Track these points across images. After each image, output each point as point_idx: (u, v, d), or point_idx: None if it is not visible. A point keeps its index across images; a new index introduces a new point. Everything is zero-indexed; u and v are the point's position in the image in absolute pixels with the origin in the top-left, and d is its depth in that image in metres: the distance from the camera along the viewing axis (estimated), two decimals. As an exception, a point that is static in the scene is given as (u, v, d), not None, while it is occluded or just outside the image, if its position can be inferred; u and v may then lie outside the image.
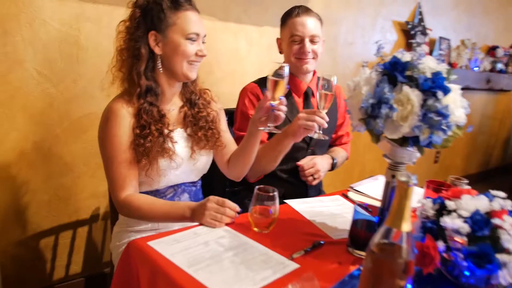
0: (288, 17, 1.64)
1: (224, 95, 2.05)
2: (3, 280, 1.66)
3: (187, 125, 1.39)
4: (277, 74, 1.25)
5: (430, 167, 4.13)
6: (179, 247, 1.02)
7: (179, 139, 1.35)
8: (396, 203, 0.76)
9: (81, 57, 1.73)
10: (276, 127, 1.32)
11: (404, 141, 1.03)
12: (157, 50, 1.26)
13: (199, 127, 1.39)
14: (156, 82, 1.29)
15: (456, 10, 3.78)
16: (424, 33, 3.25)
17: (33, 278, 1.81)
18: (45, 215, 1.78)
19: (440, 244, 0.91)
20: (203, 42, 1.32)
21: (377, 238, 0.79)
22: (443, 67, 1.01)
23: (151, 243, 1.02)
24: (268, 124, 1.30)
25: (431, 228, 0.98)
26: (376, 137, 1.04)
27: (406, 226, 0.77)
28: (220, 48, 2.16)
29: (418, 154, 1.07)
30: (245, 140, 1.40)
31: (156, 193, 1.35)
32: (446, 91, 0.97)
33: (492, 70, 4.33)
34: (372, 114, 1.00)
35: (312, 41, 1.62)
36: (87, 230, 1.93)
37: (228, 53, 2.20)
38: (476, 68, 4.07)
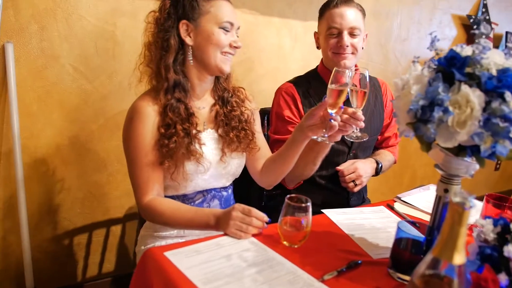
0: (326, 8, 1.51)
1: (265, 92, 1.97)
2: (36, 276, 1.66)
3: (219, 125, 1.30)
4: (340, 82, 1.13)
5: (490, 175, 3.78)
6: (198, 259, 0.93)
7: (208, 141, 1.26)
8: (447, 229, 0.63)
9: (117, 53, 1.69)
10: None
11: (460, 151, 0.88)
12: (188, 41, 1.18)
13: (231, 127, 1.29)
14: (185, 77, 1.21)
15: (526, 3, 3.42)
16: (488, 28, 2.96)
17: (66, 274, 1.81)
18: (78, 212, 1.77)
19: (502, 278, 0.75)
20: (237, 35, 1.23)
21: (422, 268, 0.66)
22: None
23: (168, 254, 0.94)
24: (322, 134, 1.18)
25: (491, 255, 0.82)
26: (427, 145, 0.89)
27: (459, 258, 0.62)
28: (262, 44, 2.06)
29: (477, 166, 0.90)
30: (287, 147, 1.28)
31: (183, 198, 1.28)
32: (515, 91, 0.80)
33: None
34: (423, 118, 0.85)
35: (351, 34, 1.48)
36: (120, 229, 1.91)
37: (270, 49, 2.10)
38: (548, 67, 3.66)
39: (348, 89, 1.21)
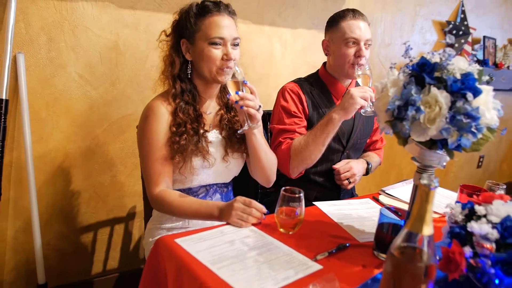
0: (341, 19, 1.61)
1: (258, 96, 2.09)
2: (46, 271, 1.76)
3: (223, 128, 1.42)
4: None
5: (472, 172, 3.96)
6: (205, 245, 1.05)
7: (213, 140, 1.39)
8: (417, 207, 0.76)
9: (120, 61, 1.81)
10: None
11: (432, 144, 1.01)
12: (188, 57, 1.32)
13: (234, 131, 1.42)
14: (192, 84, 1.35)
15: (504, 7, 3.61)
16: (466, 32, 3.13)
17: (74, 270, 1.91)
18: (84, 212, 1.88)
19: (467, 250, 0.89)
20: (235, 45, 1.33)
21: (398, 241, 0.79)
22: (474, 68, 0.98)
23: (178, 240, 1.06)
24: (246, 125, 1.27)
25: (459, 233, 0.95)
26: (403, 140, 1.02)
27: (428, 229, 0.75)
28: (255, 51, 2.19)
29: (447, 158, 1.04)
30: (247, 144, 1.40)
31: (188, 191, 1.40)
32: (476, 92, 0.93)
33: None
34: (399, 116, 0.99)
35: (366, 45, 1.61)
36: (123, 228, 2.01)
37: (262, 56, 2.22)
38: (525, 69, 3.86)
39: (356, 76, 1.54)
